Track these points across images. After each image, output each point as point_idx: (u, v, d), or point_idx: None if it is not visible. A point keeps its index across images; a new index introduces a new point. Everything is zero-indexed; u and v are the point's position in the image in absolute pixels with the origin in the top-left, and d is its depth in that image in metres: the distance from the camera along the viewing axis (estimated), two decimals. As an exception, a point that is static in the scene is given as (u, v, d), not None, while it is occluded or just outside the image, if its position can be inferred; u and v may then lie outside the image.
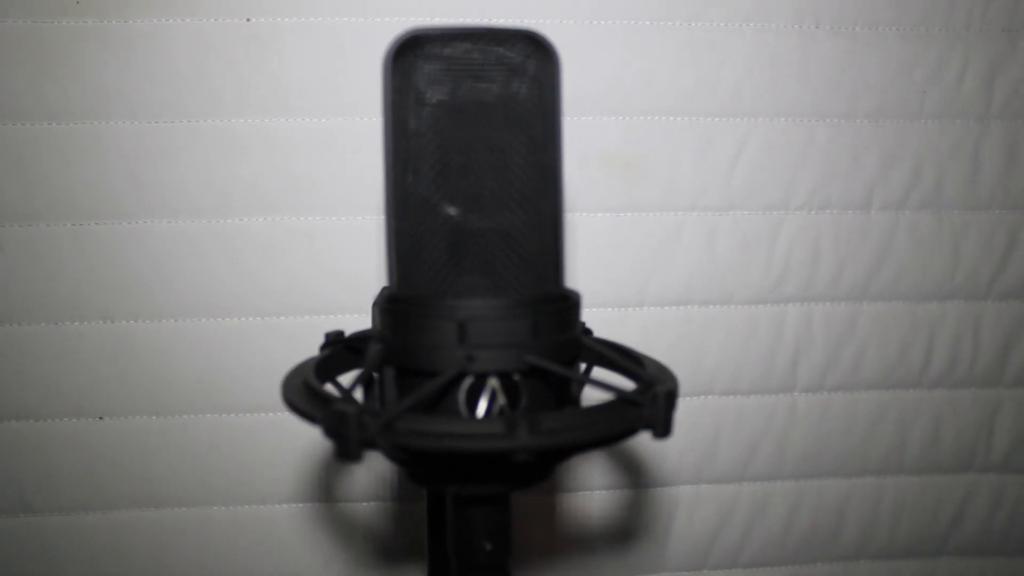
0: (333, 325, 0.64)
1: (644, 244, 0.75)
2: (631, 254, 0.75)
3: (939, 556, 0.81)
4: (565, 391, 0.41)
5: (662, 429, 0.37)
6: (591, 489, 0.78)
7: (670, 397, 0.37)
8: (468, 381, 0.37)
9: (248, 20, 0.70)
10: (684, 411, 0.76)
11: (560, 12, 0.72)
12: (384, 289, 0.41)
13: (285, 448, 0.75)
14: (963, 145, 0.77)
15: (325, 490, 0.76)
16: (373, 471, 0.75)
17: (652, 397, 0.37)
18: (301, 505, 0.75)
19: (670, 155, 0.75)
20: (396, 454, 0.35)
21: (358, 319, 0.73)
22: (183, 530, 0.75)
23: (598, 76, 0.73)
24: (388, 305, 0.39)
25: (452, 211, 0.38)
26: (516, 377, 0.38)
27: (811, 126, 0.76)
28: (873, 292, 0.78)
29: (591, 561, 0.79)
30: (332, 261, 0.73)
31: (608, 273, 0.75)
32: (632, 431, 0.36)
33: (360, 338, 0.45)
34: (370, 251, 0.73)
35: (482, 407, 0.37)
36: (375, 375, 0.47)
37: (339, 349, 0.44)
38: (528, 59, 0.38)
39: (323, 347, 0.45)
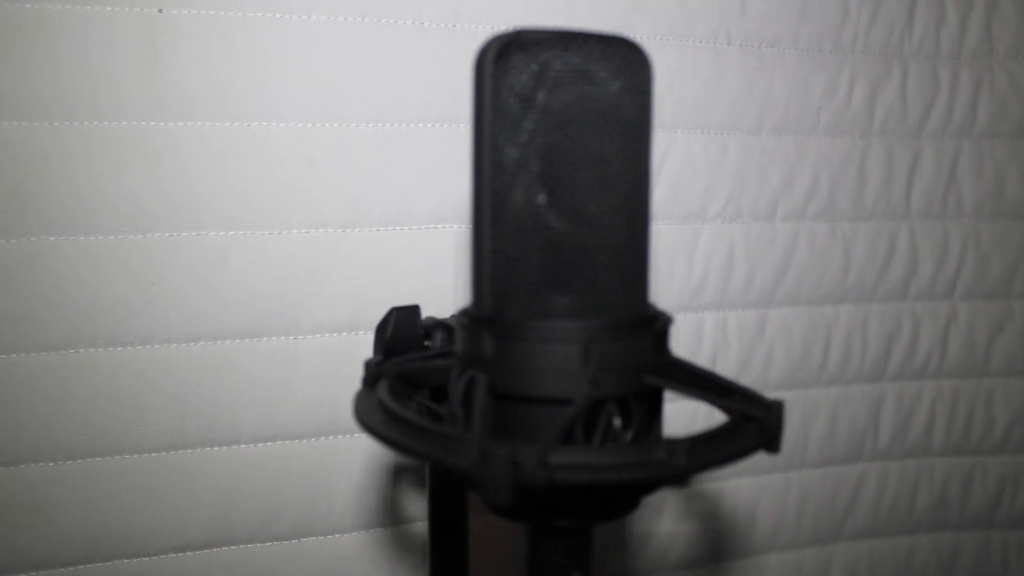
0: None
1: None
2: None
3: (836, 542, 0.87)
4: (657, 411, 0.39)
5: (777, 444, 0.36)
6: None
7: (782, 411, 0.37)
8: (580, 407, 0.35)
9: (160, 11, 0.62)
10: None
11: (493, 19, 0.70)
12: (466, 310, 0.37)
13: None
14: (851, 159, 0.83)
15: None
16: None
17: (767, 410, 0.36)
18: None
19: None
20: (547, 493, 0.32)
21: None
22: None
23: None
24: (486, 328, 0.35)
25: (542, 199, 0.35)
26: (630, 401, 0.36)
27: (724, 140, 0.79)
28: (779, 298, 0.82)
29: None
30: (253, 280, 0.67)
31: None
32: (758, 446, 0.35)
33: (411, 366, 0.41)
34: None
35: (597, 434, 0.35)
36: (424, 403, 0.43)
37: (394, 380, 0.40)
38: (629, 66, 0.36)
39: (370, 379, 0.41)
